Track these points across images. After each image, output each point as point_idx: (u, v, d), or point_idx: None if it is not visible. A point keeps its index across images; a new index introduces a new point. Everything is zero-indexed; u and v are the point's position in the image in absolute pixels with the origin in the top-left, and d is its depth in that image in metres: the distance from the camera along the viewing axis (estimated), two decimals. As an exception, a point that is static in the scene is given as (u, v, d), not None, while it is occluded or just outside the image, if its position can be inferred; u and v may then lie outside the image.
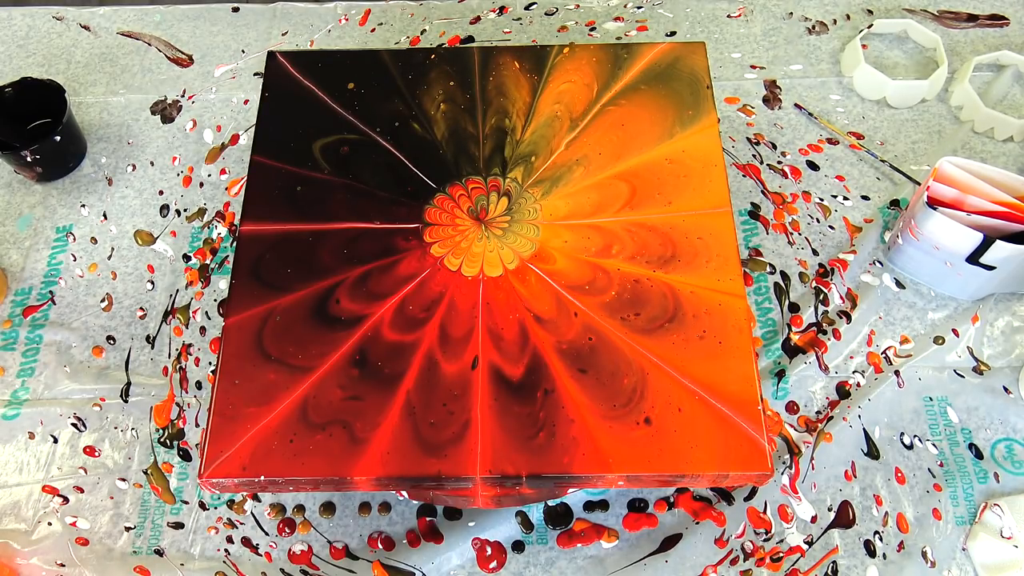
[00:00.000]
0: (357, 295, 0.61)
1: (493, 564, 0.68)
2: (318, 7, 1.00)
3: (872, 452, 0.71)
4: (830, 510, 0.69)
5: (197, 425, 0.74)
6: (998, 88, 0.89)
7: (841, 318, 0.77)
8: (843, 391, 0.74)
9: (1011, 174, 0.73)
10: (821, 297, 0.78)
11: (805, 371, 0.75)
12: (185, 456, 0.73)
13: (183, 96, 0.94)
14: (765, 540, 0.68)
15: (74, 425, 0.74)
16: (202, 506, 0.71)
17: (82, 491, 0.71)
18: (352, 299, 0.61)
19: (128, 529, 0.70)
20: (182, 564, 0.68)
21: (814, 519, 0.68)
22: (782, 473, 0.70)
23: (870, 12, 0.97)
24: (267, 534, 0.69)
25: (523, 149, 0.68)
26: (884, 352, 0.75)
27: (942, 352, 0.75)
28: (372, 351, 0.59)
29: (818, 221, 0.83)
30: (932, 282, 0.78)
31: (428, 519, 0.69)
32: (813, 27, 0.96)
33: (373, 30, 0.98)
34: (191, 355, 0.77)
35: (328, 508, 0.70)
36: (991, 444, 0.71)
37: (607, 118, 0.69)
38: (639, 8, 0.99)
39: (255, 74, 0.95)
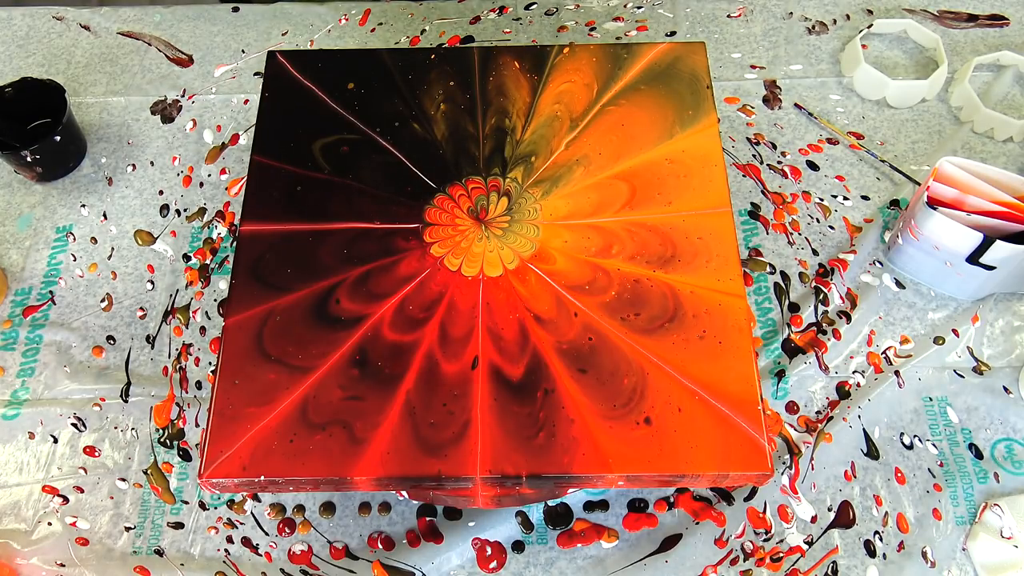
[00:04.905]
0: (357, 295, 0.61)
1: (493, 564, 0.68)
2: (318, 7, 1.00)
3: (872, 452, 0.71)
4: (830, 510, 0.69)
5: (197, 425, 0.74)
6: (998, 88, 0.89)
7: (841, 318, 0.77)
8: (843, 391, 0.74)
9: (1011, 174, 0.73)
10: (821, 297, 0.78)
11: (805, 371, 0.75)
12: (185, 456, 0.73)
13: (183, 96, 0.94)
14: (765, 540, 0.68)
15: (74, 425, 0.74)
16: (202, 506, 0.71)
17: (82, 491, 0.71)
18: (352, 299, 0.61)
19: (128, 529, 0.70)
20: (182, 564, 0.68)
21: (814, 519, 0.68)
22: (782, 473, 0.70)
23: (870, 12, 0.97)
24: (267, 534, 0.69)
25: (523, 149, 0.68)
26: (884, 352, 0.75)
27: (942, 352, 0.75)
28: (372, 351, 0.59)
29: (818, 221, 0.83)
30: (932, 282, 0.78)
31: (428, 519, 0.69)
32: (813, 27, 0.96)
33: (373, 30, 0.99)
34: (191, 355, 0.77)
35: (328, 508, 0.70)
36: (991, 444, 0.71)
37: (607, 118, 0.69)
38: (639, 8, 0.99)
39: (255, 74, 0.95)
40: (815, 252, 0.81)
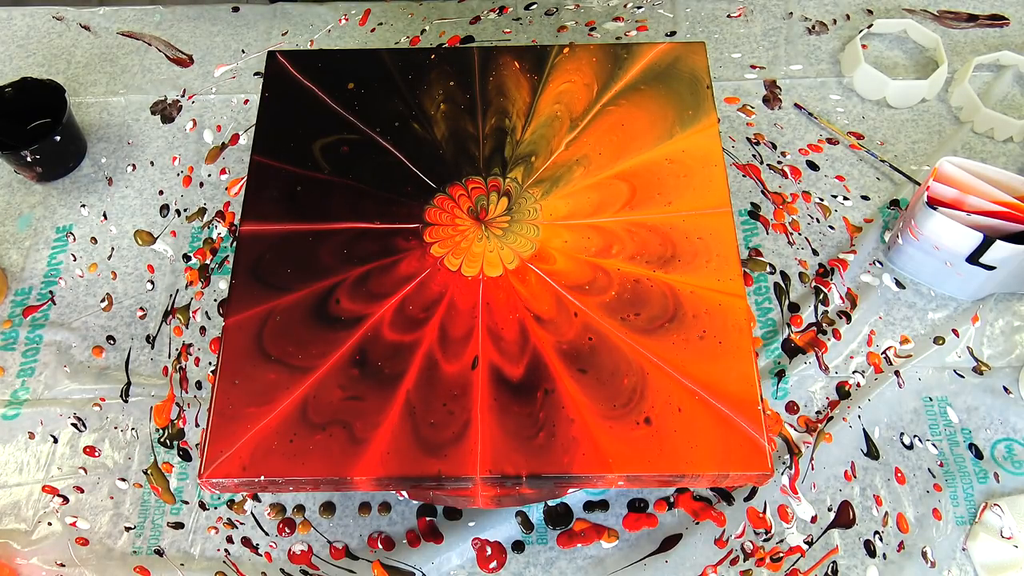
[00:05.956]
0: (357, 295, 0.61)
1: (493, 564, 0.68)
2: (318, 7, 1.00)
3: (872, 452, 0.71)
4: (830, 510, 0.69)
5: (197, 425, 0.74)
6: (998, 88, 0.89)
7: (841, 318, 0.77)
8: (843, 391, 0.74)
9: (1011, 174, 0.73)
10: (821, 297, 0.78)
11: (805, 371, 0.75)
12: (185, 456, 0.73)
13: (183, 96, 0.94)
14: (765, 540, 0.68)
15: (74, 425, 0.74)
16: (202, 506, 0.71)
17: (82, 491, 0.71)
18: (352, 299, 0.61)
19: (128, 529, 0.70)
20: (182, 564, 0.68)
21: (814, 519, 0.68)
22: (782, 473, 0.70)
23: (870, 12, 0.97)
24: (267, 534, 0.69)
25: (523, 149, 0.68)
26: (884, 352, 0.75)
27: (942, 352, 0.75)
28: (372, 351, 0.59)
29: (818, 221, 0.83)
30: (932, 282, 0.78)
31: (428, 519, 0.69)
32: (813, 27, 0.96)
33: (373, 30, 0.99)
34: (191, 355, 0.77)
35: (328, 508, 0.70)
36: (991, 444, 0.71)
37: (607, 118, 0.69)
38: (639, 8, 0.99)
39: (255, 74, 0.95)
40: (815, 252, 0.81)
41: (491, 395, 0.57)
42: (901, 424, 0.72)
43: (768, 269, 0.80)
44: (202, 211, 0.85)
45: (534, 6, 1.00)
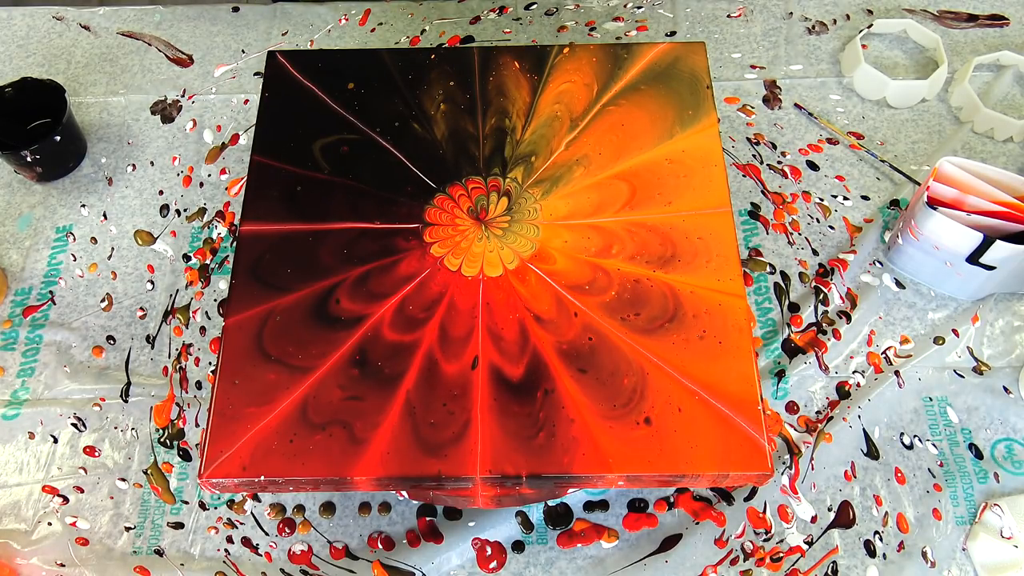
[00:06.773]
0: (357, 295, 0.61)
1: (493, 564, 0.68)
2: (318, 7, 1.00)
3: (872, 452, 0.71)
4: (830, 510, 0.69)
5: (197, 425, 0.74)
6: (998, 88, 0.89)
7: (841, 318, 0.77)
8: (843, 391, 0.74)
9: (1011, 174, 0.73)
10: (821, 297, 0.78)
11: (805, 371, 0.75)
12: (185, 456, 0.73)
13: (183, 96, 0.94)
14: (765, 540, 0.68)
15: (74, 425, 0.74)
16: (202, 506, 0.71)
17: (82, 491, 0.71)
18: (352, 299, 0.61)
19: (128, 529, 0.70)
20: (182, 564, 0.68)
21: (814, 519, 0.68)
22: (782, 473, 0.70)
23: (870, 12, 0.97)
24: (267, 534, 0.69)
25: (523, 149, 0.68)
26: (884, 352, 0.75)
27: (942, 352, 0.75)
28: (372, 351, 0.59)
29: (818, 221, 0.83)
30: (932, 282, 0.78)
31: (428, 519, 0.69)
32: (813, 27, 0.96)
33: (373, 30, 0.99)
34: (191, 355, 0.77)
35: (328, 508, 0.70)
36: (991, 444, 0.71)
37: (607, 118, 0.69)
38: (639, 8, 0.99)
39: (255, 74, 0.95)
40: (815, 252, 0.81)
41: (491, 395, 0.57)
42: (901, 424, 0.72)
43: (768, 269, 0.80)
44: (202, 211, 0.85)
45: (534, 6, 1.00)
